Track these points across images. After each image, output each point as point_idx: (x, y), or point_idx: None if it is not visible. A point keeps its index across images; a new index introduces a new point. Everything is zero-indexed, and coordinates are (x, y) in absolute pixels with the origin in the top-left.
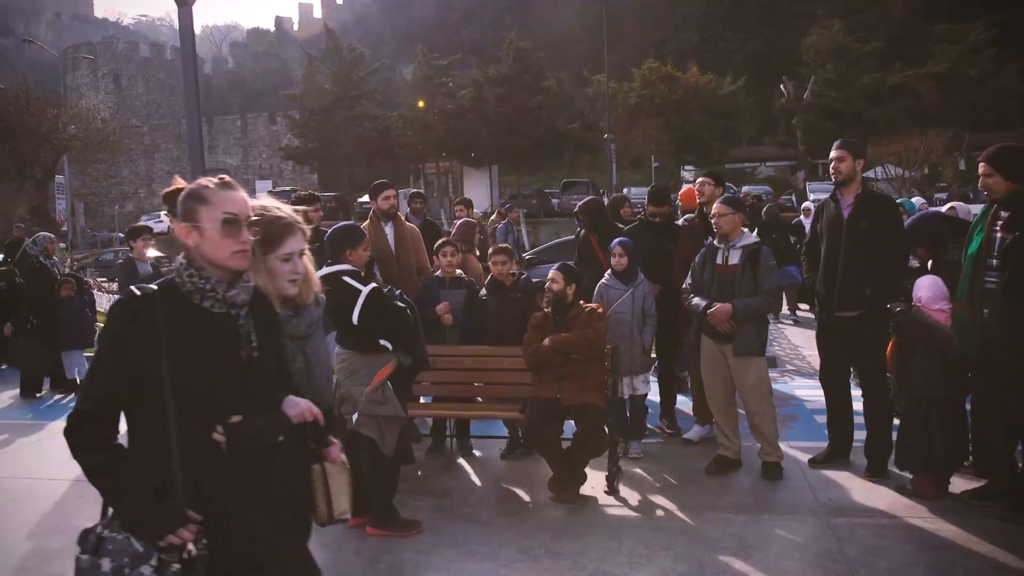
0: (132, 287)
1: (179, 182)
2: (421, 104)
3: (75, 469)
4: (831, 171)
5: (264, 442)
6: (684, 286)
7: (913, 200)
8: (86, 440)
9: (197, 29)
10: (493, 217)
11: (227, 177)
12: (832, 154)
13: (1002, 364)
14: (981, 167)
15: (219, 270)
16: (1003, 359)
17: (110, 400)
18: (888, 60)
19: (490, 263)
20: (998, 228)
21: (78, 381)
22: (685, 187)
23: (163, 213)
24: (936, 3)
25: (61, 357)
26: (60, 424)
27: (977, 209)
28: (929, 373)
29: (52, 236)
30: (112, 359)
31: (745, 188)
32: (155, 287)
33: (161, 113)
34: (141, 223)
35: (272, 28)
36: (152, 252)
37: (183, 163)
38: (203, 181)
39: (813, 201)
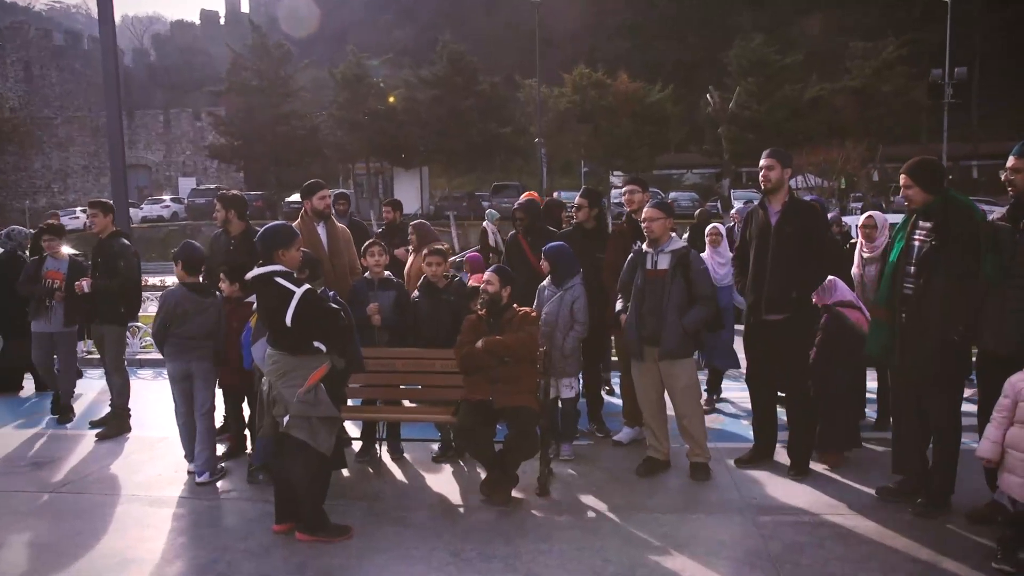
0: None
1: None
2: (391, 99)
3: None
4: (761, 180)
5: None
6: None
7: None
8: None
9: (117, 19)
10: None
11: None
12: (762, 163)
13: (916, 367)
14: (902, 179)
15: None
16: (917, 362)
17: None
18: (807, 74)
19: (424, 264)
20: (916, 237)
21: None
22: (526, 193)
23: (79, 209)
24: (852, 21)
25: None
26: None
27: (894, 218)
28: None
29: (27, 231)
30: None
31: (672, 194)
32: None
33: (77, 105)
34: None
35: (197, 21)
36: (66, 249)
37: (101, 157)
38: None
39: (743, 207)
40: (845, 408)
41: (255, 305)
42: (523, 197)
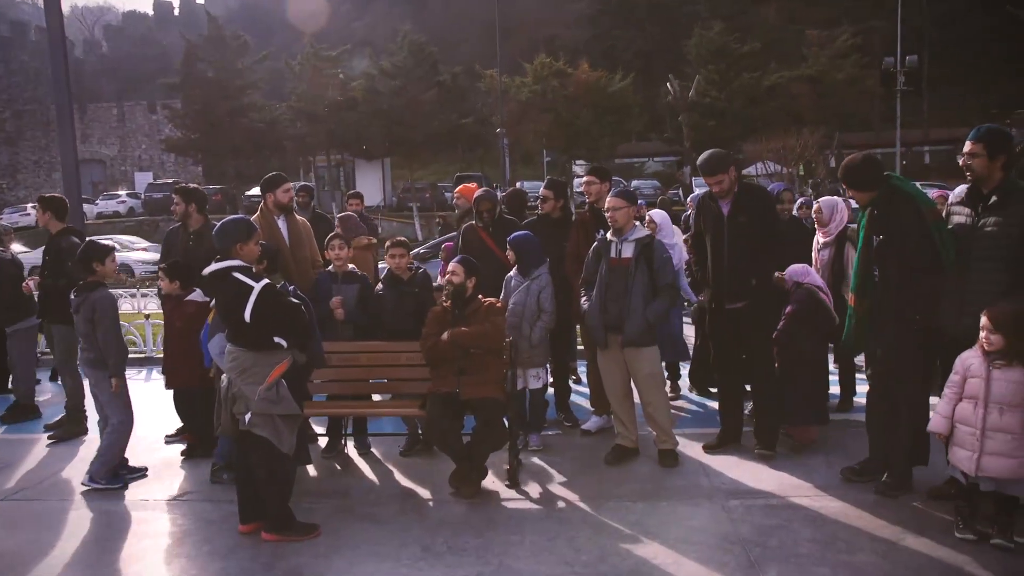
0: None
1: None
2: (356, 94)
3: None
4: (714, 192)
5: None
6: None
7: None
8: None
9: (65, 9)
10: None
11: None
12: (709, 180)
13: (883, 355)
14: (844, 185)
15: None
16: (884, 350)
17: None
18: (764, 61)
19: (387, 256)
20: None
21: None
22: (461, 185)
23: (30, 205)
24: (807, 10)
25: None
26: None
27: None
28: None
29: (7, 226)
30: None
31: (635, 183)
32: None
33: (25, 98)
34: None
35: (150, 12)
36: (15, 247)
37: (52, 152)
38: None
39: (695, 194)
40: (816, 381)
41: (212, 302)
42: (460, 188)
